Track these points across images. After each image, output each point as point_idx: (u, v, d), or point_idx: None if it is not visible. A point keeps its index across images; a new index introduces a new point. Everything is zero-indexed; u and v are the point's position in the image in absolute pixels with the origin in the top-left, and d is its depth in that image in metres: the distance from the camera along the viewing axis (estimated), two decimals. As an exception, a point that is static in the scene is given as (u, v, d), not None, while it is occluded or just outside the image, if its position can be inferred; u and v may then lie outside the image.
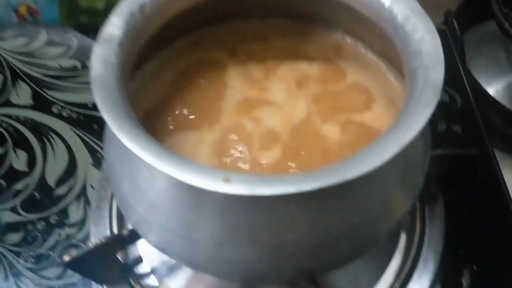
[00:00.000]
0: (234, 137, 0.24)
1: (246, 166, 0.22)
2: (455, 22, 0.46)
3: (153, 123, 0.25)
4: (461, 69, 0.41)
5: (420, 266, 0.27)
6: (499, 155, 0.35)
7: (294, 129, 0.25)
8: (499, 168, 0.30)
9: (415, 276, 0.27)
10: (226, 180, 0.16)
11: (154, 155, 0.17)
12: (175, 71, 0.28)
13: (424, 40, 0.21)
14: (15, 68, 0.40)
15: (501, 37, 0.44)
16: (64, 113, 0.37)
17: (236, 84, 0.27)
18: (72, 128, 0.36)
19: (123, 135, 0.17)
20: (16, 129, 0.36)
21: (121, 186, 0.23)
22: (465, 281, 0.26)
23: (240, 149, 0.23)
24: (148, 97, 0.27)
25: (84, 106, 0.37)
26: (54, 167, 0.34)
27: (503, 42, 0.46)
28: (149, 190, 0.20)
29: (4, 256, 0.29)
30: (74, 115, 0.37)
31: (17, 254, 0.29)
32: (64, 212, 0.31)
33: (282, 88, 0.28)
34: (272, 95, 0.27)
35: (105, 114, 0.18)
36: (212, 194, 0.16)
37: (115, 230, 0.29)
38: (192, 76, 0.27)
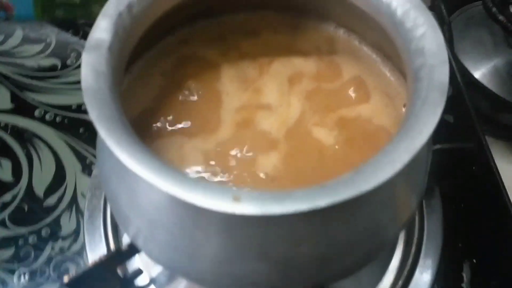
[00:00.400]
0: (229, 145, 0.23)
1: (245, 176, 0.22)
2: (442, 6, 0.45)
3: (143, 128, 0.24)
4: (450, 55, 0.41)
5: (421, 261, 0.27)
6: (488, 141, 0.35)
7: (289, 132, 0.25)
8: (493, 160, 0.30)
9: (417, 272, 0.27)
10: (236, 199, 0.15)
11: (157, 174, 0.16)
12: (164, 71, 0.27)
13: (426, 37, 0.21)
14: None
15: (486, 20, 0.44)
16: (47, 117, 0.35)
17: (230, 88, 0.25)
18: (57, 132, 0.34)
19: (123, 153, 0.16)
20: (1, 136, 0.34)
21: (117, 199, 0.22)
22: (465, 275, 0.27)
23: (237, 157, 0.22)
24: (138, 100, 0.26)
25: (67, 108, 0.36)
26: (41, 176, 0.32)
27: (488, 25, 0.46)
28: (150, 207, 0.19)
29: (-4, 274, 0.28)
30: (58, 119, 0.35)
31: (11, 271, 0.28)
32: (55, 224, 0.30)
33: (275, 87, 0.27)
34: (266, 97, 0.26)
35: (102, 130, 0.17)
36: (220, 213, 0.15)
37: (111, 241, 0.28)
38: (183, 77, 0.26)
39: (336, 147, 0.24)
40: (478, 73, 0.49)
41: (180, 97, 0.25)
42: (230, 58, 0.27)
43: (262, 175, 0.22)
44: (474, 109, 0.37)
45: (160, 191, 0.16)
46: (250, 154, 0.23)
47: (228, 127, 0.24)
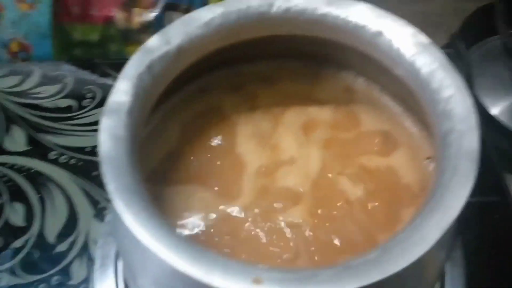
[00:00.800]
0: (253, 204, 0.22)
1: (268, 238, 0.21)
2: (459, 43, 0.45)
3: (160, 179, 0.24)
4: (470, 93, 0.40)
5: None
6: (507, 178, 0.34)
7: (314, 185, 0.24)
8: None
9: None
10: (257, 281, 0.15)
11: (175, 252, 0.16)
12: (181, 123, 0.27)
13: (454, 99, 0.20)
14: (9, 110, 0.38)
15: (504, 55, 0.43)
16: (62, 159, 0.35)
17: (248, 148, 0.25)
18: (70, 176, 0.34)
19: (140, 229, 0.16)
20: (12, 179, 0.34)
21: (131, 263, 0.21)
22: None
23: (263, 216, 0.22)
24: (155, 151, 0.25)
25: (81, 150, 0.35)
26: (54, 221, 0.32)
27: (506, 60, 0.46)
28: (165, 279, 0.18)
29: (5, 328, 0.28)
30: (72, 161, 0.35)
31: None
32: (66, 272, 0.30)
33: (292, 138, 0.26)
34: (284, 152, 0.25)
35: (120, 204, 0.16)
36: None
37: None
38: (199, 130, 0.26)
39: (362, 199, 0.23)
40: (496, 110, 0.48)
41: (197, 152, 0.25)
42: (247, 109, 0.27)
43: (287, 232, 0.22)
44: (495, 151, 0.36)
45: (176, 269, 0.15)
46: (275, 212, 0.22)
47: (250, 185, 0.23)
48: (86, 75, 0.40)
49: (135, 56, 0.22)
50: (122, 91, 0.20)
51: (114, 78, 0.41)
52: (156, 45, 0.22)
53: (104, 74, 0.40)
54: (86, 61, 0.41)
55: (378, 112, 0.27)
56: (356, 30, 0.24)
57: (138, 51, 0.22)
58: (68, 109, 0.38)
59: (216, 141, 0.25)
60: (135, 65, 0.21)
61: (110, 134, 0.19)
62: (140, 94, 0.20)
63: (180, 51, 0.22)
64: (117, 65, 0.43)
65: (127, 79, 0.20)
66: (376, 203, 0.23)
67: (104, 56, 0.43)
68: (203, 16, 0.23)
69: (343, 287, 0.15)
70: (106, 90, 0.39)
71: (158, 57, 0.22)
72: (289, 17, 0.24)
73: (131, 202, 0.17)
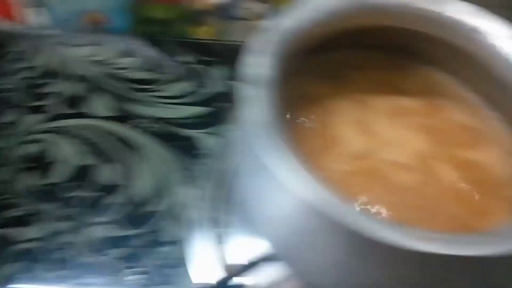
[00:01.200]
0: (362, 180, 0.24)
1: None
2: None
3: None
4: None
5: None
6: None
7: (417, 166, 0.25)
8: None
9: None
10: (420, 238, 0.17)
11: (342, 212, 0.17)
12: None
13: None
14: (89, 78, 0.39)
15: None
16: (150, 128, 0.37)
17: (345, 131, 0.27)
18: (159, 143, 0.36)
19: (296, 187, 0.18)
20: (100, 142, 0.36)
21: (265, 218, 0.23)
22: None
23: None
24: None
25: (163, 120, 0.37)
26: (145, 183, 0.34)
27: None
28: (314, 234, 0.20)
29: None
30: (159, 130, 0.37)
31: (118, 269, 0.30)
32: (157, 230, 0.32)
33: (386, 125, 0.28)
34: (382, 137, 0.27)
35: (275, 169, 0.18)
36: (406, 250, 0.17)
37: (212, 251, 0.30)
38: (295, 114, 0.27)
39: (457, 187, 0.25)
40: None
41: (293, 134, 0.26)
42: (340, 94, 0.29)
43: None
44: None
45: (340, 225, 0.17)
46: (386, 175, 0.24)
47: (351, 161, 0.25)
48: (159, 51, 0.42)
49: (267, 33, 0.23)
50: (259, 64, 0.22)
51: (185, 57, 0.43)
52: (286, 24, 0.24)
53: (176, 53, 0.42)
54: (163, 38, 0.43)
55: (464, 107, 0.29)
56: (453, 25, 0.25)
57: (269, 30, 0.24)
58: (145, 81, 0.40)
59: (311, 124, 0.27)
60: (268, 41, 0.23)
61: (258, 105, 0.20)
62: (283, 67, 0.22)
63: (312, 31, 0.24)
64: (187, 44, 0.45)
65: (263, 53, 0.22)
66: (469, 192, 0.25)
67: (176, 35, 0.44)
68: (324, 2, 0.25)
69: (497, 250, 0.17)
70: (178, 67, 0.41)
71: (288, 36, 0.23)
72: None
73: (285, 166, 0.19)
